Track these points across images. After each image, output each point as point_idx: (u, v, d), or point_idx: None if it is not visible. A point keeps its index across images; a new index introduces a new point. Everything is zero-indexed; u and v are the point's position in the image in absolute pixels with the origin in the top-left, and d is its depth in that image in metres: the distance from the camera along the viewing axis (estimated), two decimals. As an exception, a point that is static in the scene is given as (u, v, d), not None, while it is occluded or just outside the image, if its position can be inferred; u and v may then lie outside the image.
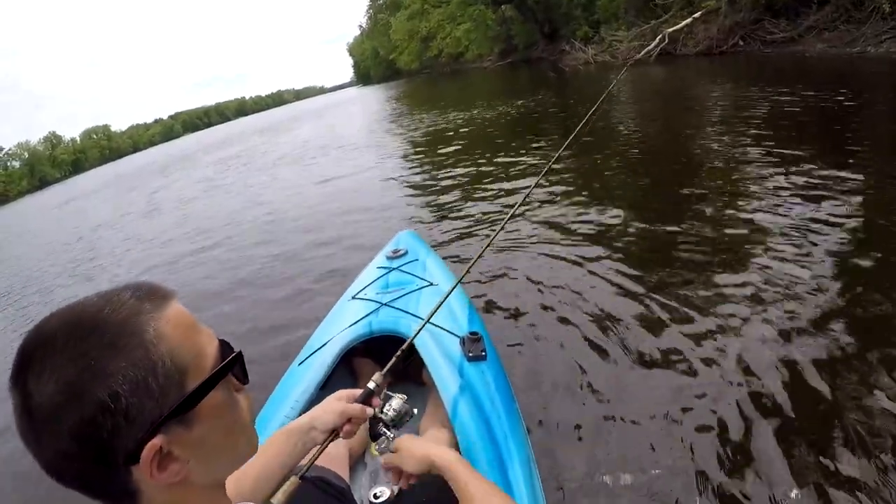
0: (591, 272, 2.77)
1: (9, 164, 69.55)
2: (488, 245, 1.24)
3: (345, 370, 1.72)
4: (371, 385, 0.91)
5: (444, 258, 2.91)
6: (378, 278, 1.98)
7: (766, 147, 4.12)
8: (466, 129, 8.65)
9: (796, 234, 2.64)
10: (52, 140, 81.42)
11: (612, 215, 3.53)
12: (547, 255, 3.13)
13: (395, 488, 1.31)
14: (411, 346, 1.49)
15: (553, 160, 1.24)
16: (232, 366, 0.52)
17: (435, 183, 5.67)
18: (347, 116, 19.45)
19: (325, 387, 1.45)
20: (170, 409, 0.45)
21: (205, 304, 3.79)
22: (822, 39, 9.18)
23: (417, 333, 1.09)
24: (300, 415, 1.30)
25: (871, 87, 5.97)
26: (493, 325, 2.25)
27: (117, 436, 0.43)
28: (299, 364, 1.57)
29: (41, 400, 0.42)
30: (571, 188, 4.32)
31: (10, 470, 2.34)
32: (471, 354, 1.48)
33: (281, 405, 1.39)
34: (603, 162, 4.95)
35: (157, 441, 0.45)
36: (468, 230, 3.93)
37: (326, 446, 0.85)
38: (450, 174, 5.86)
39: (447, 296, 1.21)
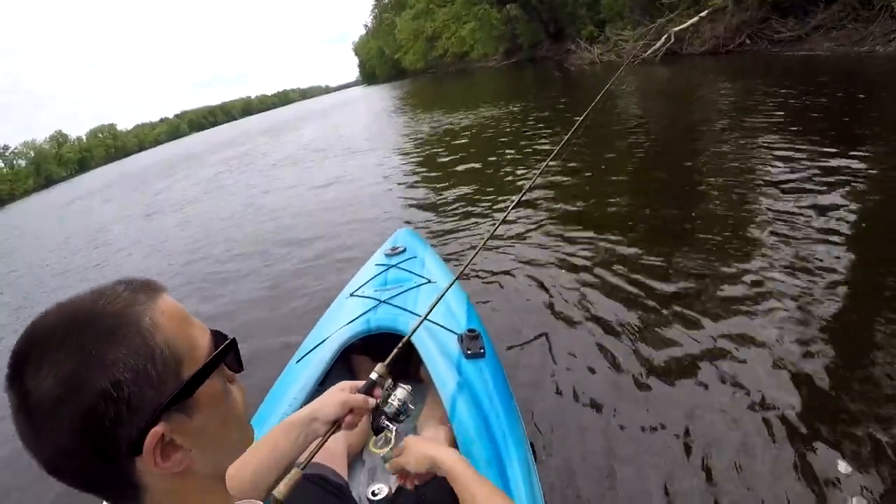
0: (591, 271, 2.77)
1: (15, 162, 69.85)
2: (485, 242, 1.24)
3: (343, 367, 1.72)
4: (373, 376, 0.90)
5: (443, 256, 2.91)
6: (376, 275, 1.98)
7: (776, 146, 4.07)
8: (470, 129, 8.64)
9: (806, 237, 2.59)
10: (59, 139, 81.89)
11: (615, 214, 3.53)
12: (547, 253, 3.12)
13: (394, 486, 1.31)
14: (410, 343, 1.49)
15: (549, 159, 1.23)
16: (227, 352, 0.52)
17: (437, 182, 5.67)
18: (352, 116, 19.49)
19: (324, 383, 1.45)
20: (170, 396, 0.45)
21: (203, 301, 3.82)
22: (829, 38, 9.10)
23: (416, 328, 1.09)
24: (298, 411, 1.31)
25: (880, 87, 5.90)
26: (492, 323, 2.24)
27: (120, 424, 0.43)
28: (297, 361, 1.57)
29: (40, 395, 0.42)
30: (573, 187, 4.31)
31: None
32: (469, 352, 1.47)
33: (279, 402, 1.39)
34: (606, 161, 4.93)
35: (159, 429, 0.45)
36: (468, 229, 3.93)
37: (328, 438, 0.85)
38: (452, 174, 5.86)
39: (445, 291, 1.21)
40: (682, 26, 12.04)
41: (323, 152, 10.42)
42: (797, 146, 3.96)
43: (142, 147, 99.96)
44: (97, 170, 63.06)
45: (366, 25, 58.96)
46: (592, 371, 1.99)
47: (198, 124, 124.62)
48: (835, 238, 2.52)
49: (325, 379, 1.47)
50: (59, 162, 76.92)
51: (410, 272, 1.95)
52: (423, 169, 6.65)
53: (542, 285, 2.75)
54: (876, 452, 1.41)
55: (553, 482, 1.52)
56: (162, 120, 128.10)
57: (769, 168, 3.67)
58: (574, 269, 2.84)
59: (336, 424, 0.85)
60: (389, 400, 0.91)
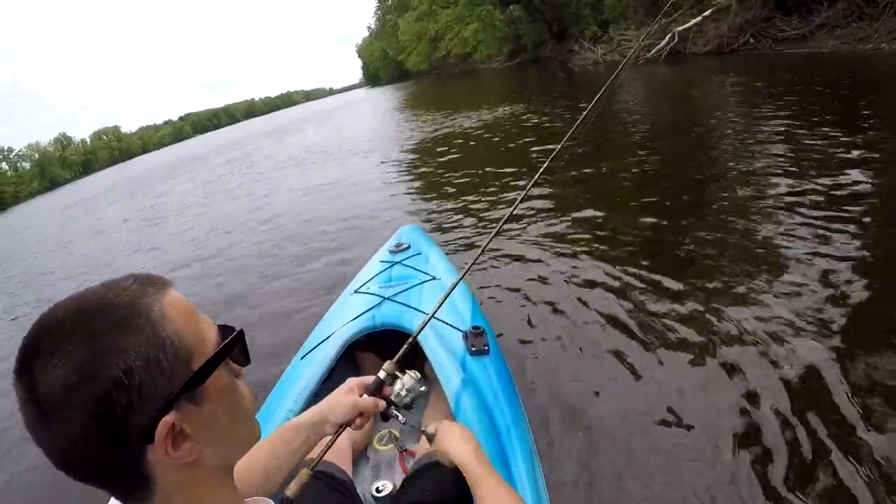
0: (595, 267, 2.76)
1: (19, 165, 70.19)
2: (489, 241, 1.23)
3: (348, 364, 1.72)
4: (381, 374, 0.91)
5: (448, 252, 2.91)
6: (381, 272, 1.98)
7: (783, 145, 4.05)
8: (474, 131, 8.63)
9: (812, 239, 2.54)
10: (63, 141, 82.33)
11: (620, 211, 3.52)
12: (552, 250, 3.11)
13: (398, 482, 1.30)
14: (416, 344, 1.48)
15: (551, 157, 1.22)
16: (236, 342, 0.53)
17: (441, 182, 5.67)
18: (356, 118, 19.53)
19: (328, 380, 1.45)
20: (181, 385, 0.46)
21: (206, 299, 3.83)
22: (834, 36, 9.05)
23: (423, 327, 1.08)
24: (303, 408, 1.31)
25: (886, 84, 5.87)
26: (497, 320, 2.23)
27: (131, 412, 0.43)
28: (302, 358, 1.57)
29: (52, 385, 0.41)
30: (580, 185, 4.29)
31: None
32: (474, 349, 1.47)
33: (284, 398, 1.39)
34: (611, 160, 4.92)
35: (170, 417, 0.45)
36: (473, 226, 3.93)
37: (337, 439, 0.86)
38: (457, 174, 5.85)
39: (451, 290, 1.20)
40: (685, 26, 12.01)
41: (326, 154, 10.45)
42: (805, 144, 3.94)
43: (146, 149, 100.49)
44: (101, 172, 63.33)
45: (369, 27, 59.17)
46: (598, 367, 1.98)
47: (201, 126, 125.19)
48: (844, 234, 2.50)
49: (330, 375, 1.46)
50: (63, 164, 77.29)
51: (415, 269, 1.95)
52: (428, 169, 6.65)
53: (546, 282, 2.75)
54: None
55: (557, 478, 1.51)
56: (166, 122, 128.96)
57: (777, 169, 3.64)
58: (579, 266, 2.83)
59: (344, 425, 0.87)
60: (398, 391, 0.93)
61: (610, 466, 1.53)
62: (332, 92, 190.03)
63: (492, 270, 3.02)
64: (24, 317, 5.24)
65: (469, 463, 0.87)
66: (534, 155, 5.76)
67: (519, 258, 3.11)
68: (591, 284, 2.60)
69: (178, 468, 0.47)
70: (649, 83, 10.19)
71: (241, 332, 0.54)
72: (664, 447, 1.56)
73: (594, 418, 1.73)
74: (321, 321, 1.81)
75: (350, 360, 1.75)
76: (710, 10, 11.62)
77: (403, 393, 0.93)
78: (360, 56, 72.83)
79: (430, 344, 1.46)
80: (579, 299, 2.48)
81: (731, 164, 4.01)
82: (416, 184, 5.93)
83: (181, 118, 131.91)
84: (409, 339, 1.03)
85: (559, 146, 1.24)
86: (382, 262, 2.08)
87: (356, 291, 1.87)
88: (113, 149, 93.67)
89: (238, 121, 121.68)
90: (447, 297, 1.17)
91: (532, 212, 3.81)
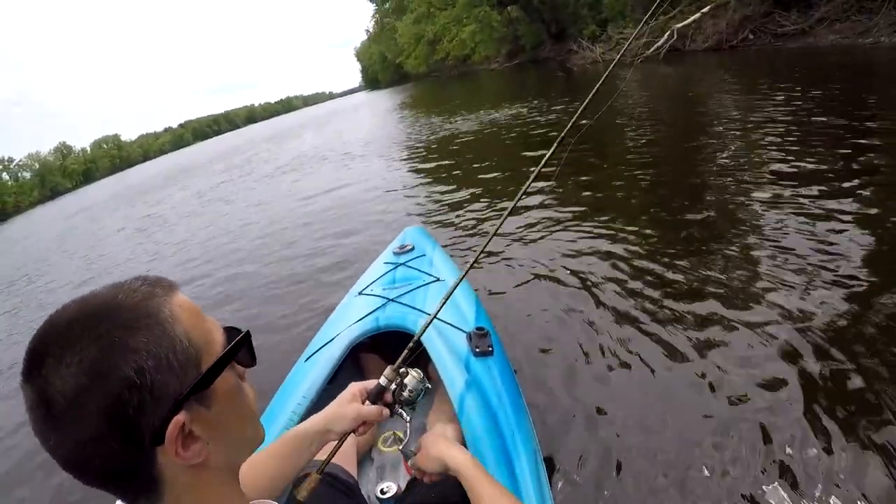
0: (599, 266, 2.75)
1: (20, 175, 70.35)
2: (489, 239, 1.23)
3: (352, 365, 1.72)
4: (383, 381, 0.92)
5: (452, 254, 2.90)
6: (385, 274, 1.98)
7: (783, 147, 4.01)
8: (473, 132, 8.64)
9: (816, 228, 2.54)
10: (63, 150, 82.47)
11: (622, 209, 3.50)
12: (556, 250, 3.10)
13: (402, 484, 1.30)
14: (419, 341, 1.48)
15: (548, 156, 1.21)
16: (243, 343, 0.54)
17: (443, 183, 5.67)
18: (355, 122, 19.57)
19: (333, 382, 1.45)
20: (191, 385, 0.46)
21: (211, 301, 3.84)
22: (833, 31, 9.04)
23: (425, 329, 1.08)
24: (308, 410, 1.31)
25: (886, 77, 5.85)
26: (500, 321, 2.23)
27: (144, 413, 0.43)
28: (306, 359, 1.56)
29: (63, 386, 0.41)
30: (580, 183, 4.28)
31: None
32: (477, 350, 1.47)
33: (288, 400, 1.39)
34: (611, 158, 4.91)
35: (181, 417, 0.45)
36: (476, 227, 3.93)
37: (342, 444, 0.88)
38: (458, 175, 5.86)
39: (452, 290, 1.19)
40: (684, 22, 12.00)
41: (326, 159, 10.45)
42: (806, 140, 3.93)
43: (146, 157, 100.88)
44: (102, 181, 63.41)
45: (367, 31, 59.21)
46: (602, 367, 1.97)
47: (202, 133, 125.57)
48: (846, 228, 2.49)
49: (334, 377, 1.46)
50: (63, 173, 77.51)
51: (419, 270, 1.95)
52: (429, 171, 6.65)
53: (550, 282, 2.74)
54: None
55: (562, 479, 1.51)
56: (166, 129, 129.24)
57: (778, 164, 3.63)
58: (583, 265, 2.82)
59: (349, 433, 0.88)
60: (401, 391, 0.94)
61: (615, 469, 1.52)
62: (332, 96, 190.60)
63: (495, 271, 3.01)
64: (25, 321, 5.27)
65: (466, 467, 0.88)
66: (533, 155, 5.76)
67: (523, 259, 3.10)
68: (595, 284, 2.59)
69: (187, 469, 0.47)
70: (648, 82, 10.18)
71: (248, 334, 0.55)
72: (674, 449, 1.54)
73: (599, 420, 1.72)
74: (325, 323, 1.81)
75: (355, 361, 1.75)
76: (708, 7, 11.61)
77: (406, 394, 0.94)
78: (358, 60, 72.98)
79: (433, 345, 1.45)
80: (583, 299, 2.47)
81: (732, 165, 4.00)
82: (419, 186, 5.93)
83: (181, 125, 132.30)
84: (412, 341, 1.03)
85: (553, 146, 1.23)
86: (387, 263, 2.08)
87: (360, 293, 1.87)
88: (113, 157, 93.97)
89: (238, 127, 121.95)
90: (448, 298, 1.17)
91: (534, 212, 3.80)
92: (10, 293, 7.34)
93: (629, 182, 4.13)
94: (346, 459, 1.27)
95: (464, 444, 1.20)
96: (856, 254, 2.28)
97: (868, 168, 3.18)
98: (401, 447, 1.00)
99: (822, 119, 4.47)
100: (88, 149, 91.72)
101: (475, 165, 6.11)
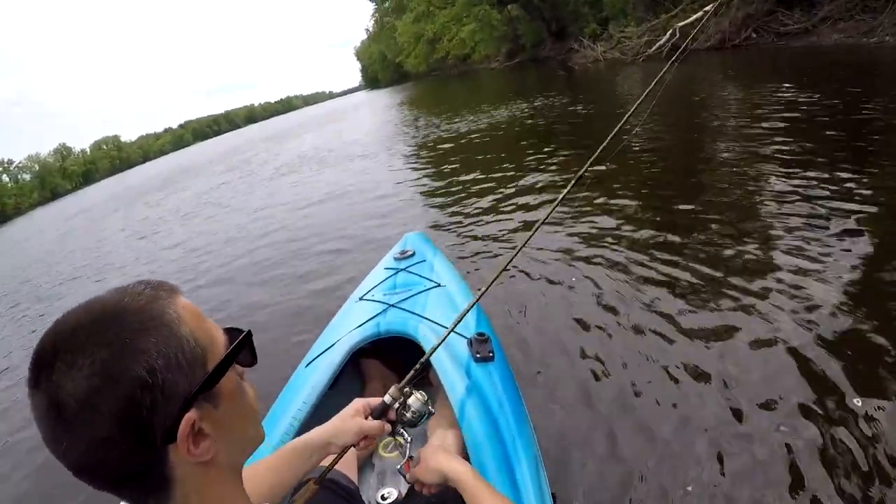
0: (602, 274, 2.74)
1: (19, 177, 70.10)
2: (508, 264, 1.24)
3: (352, 371, 1.72)
4: (387, 399, 0.93)
5: (452, 259, 2.89)
6: (386, 279, 1.97)
7: (787, 148, 3.99)
8: (474, 133, 8.62)
9: (824, 243, 2.47)
10: (63, 152, 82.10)
11: (626, 217, 3.46)
12: (557, 256, 3.09)
13: (403, 490, 1.30)
14: (419, 346, 1.48)
15: (581, 172, 1.21)
16: (245, 342, 0.55)
17: (443, 187, 5.65)
18: (355, 121, 19.55)
19: (333, 387, 1.44)
20: (199, 384, 0.47)
21: (211, 304, 3.84)
22: (837, 30, 9.00)
23: (434, 350, 1.08)
24: (308, 415, 1.31)
25: (891, 78, 5.82)
26: (501, 326, 2.22)
27: (156, 412, 0.44)
28: (306, 365, 1.56)
29: (75, 389, 0.42)
30: (588, 191, 4.24)
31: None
32: (478, 355, 1.46)
33: (289, 406, 1.39)
34: (621, 163, 4.86)
35: (191, 415, 0.46)
36: (476, 231, 3.92)
37: (342, 456, 0.89)
38: (458, 178, 5.81)
39: (466, 311, 1.16)
40: (687, 21, 11.97)
41: (325, 160, 10.43)
42: (809, 139, 3.91)
43: (146, 158, 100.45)
44: (102, 182, 63.31)
45: (367, 30, 59.21)
46: (604, 374, 1.96)
47: (202, 133, 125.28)
48: (851, 226, 2.48)
49: (335, 383, 1.46)
50: (63, 175, 77.13)
51: (420, 276, 1.95)
52: (429, 173, 6.65)
53: (552, 288, 2.73)
54: None
55: (563, 487, 1.50)
56: (166, 130, 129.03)
57: (782, 166, 3.61)
58: (585, 272, 2.81)
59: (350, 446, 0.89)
60: (404, 412, 0.95)
61: (617, 476, 1.51)
62: (332, 95, 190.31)
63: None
64: (27, 325, 5.28)
65: (466, 479, 0.88)
66: (533, 154, 5.74)
67: (525, 264, 3.07)
68: (597, 290, 2.58)
69: (196, 467, 0.48)
70: (650, 81, 10.13)
71: (250, 333, 0.56)
72: (676, 456, 1.54)
73: (601, 425, 1.71)
74: (326, 328, 1.81)
75: (355, 367, 1.75)
76: (711, 6, 11.55)
77: (409, 415, 0.95)
78: (358, 59, 72.94)
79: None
80: (587, 306, 2.46)
81: (735, 164, 3.99)
82: (419, 188, 5.91)
83: (181, 125, 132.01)
84: (418, 364, 1.03)
85: (580, 172, 1.23)
86: (387, 269, 2.07)
87: (361, 298, 1.86)
88: (113, 158, 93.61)
89: (238, 127, 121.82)
90: (463, 317, 1.15)
91: (534, 214, 3.80)
92: (10, 293, 7.36)
93: (634, 191, 4.10)
94: (346, 465, 1.27)
95: (464, 449, 1.20)
96: (867, 256, 2.26)
97: (875, 168, 3.16)
98: (393, 455, 1.02)
99: (825, 119, 4.45)
100: (88, 150, 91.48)
101: (475, 166, 6.09)
